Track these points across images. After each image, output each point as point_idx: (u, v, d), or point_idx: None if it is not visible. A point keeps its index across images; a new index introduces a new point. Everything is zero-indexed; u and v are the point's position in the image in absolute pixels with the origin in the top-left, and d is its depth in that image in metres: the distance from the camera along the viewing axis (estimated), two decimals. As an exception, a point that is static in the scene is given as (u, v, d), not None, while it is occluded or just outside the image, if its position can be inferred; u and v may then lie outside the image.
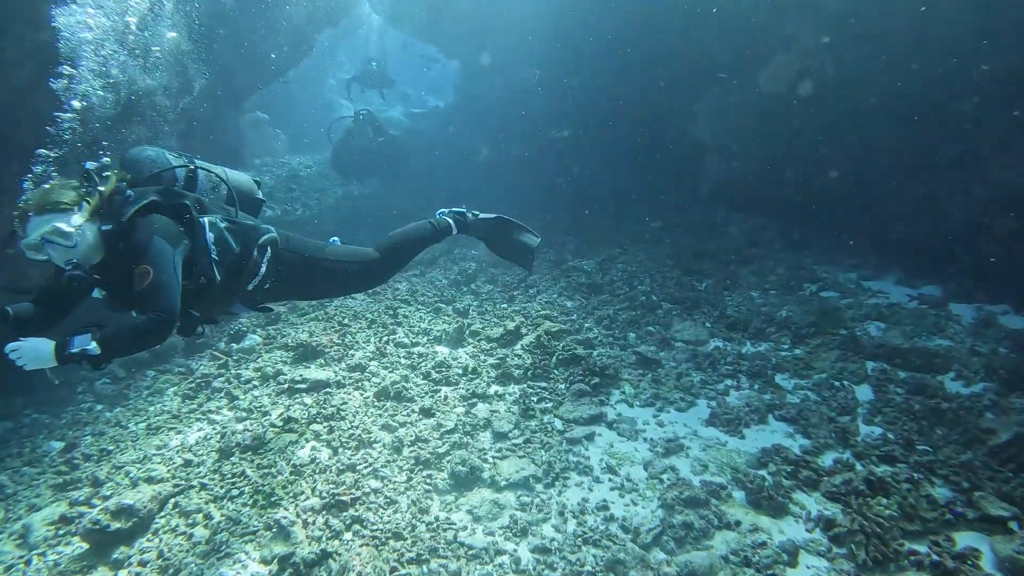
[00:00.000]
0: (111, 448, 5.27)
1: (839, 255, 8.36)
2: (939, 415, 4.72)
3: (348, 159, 12.63)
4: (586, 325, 6.78)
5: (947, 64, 7.11)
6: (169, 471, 4.74)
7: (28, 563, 4.00)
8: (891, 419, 4.79)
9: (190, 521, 4.15)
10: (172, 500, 4.36)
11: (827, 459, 4.39)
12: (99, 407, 6.15)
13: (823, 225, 8.92)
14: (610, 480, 4.26)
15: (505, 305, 7.46)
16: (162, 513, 4.26)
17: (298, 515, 3.96)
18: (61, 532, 4.27)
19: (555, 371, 5.69)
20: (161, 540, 4.00)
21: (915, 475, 4.03)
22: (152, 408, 5.88)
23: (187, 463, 4.80)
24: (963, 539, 3.53)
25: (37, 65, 5.55)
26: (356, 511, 3.96)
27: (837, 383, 5.38)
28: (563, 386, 5.45)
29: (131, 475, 4.76)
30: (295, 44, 11.54)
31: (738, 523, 3.75)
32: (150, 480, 4.64)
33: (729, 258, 8.61)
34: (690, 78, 10.28)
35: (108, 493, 4.56)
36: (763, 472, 4.23)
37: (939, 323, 6.29)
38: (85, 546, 4.01)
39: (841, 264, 8.13)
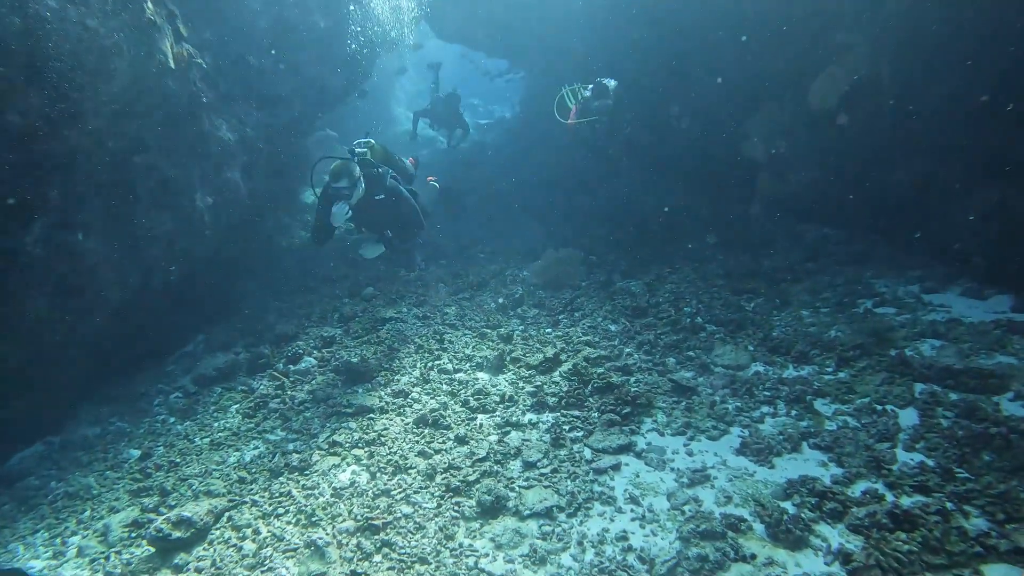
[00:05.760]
0: (179, 460, 5.75)
1: (904, 266, 7.92)
2: (987, 440, 4.48)
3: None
4: (627, 350, 6.80)
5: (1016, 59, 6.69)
6: (226, 486, 5.16)
7: (107, 559, 4.52)
8: (933, 445, 4.61)
9: (240, 535, 4.51)
10: (226, 514, 4.76)
11: (858, 489, 4.29)
12: (171, 420, 6.67)
13: (887, 235, 8.52)
14: (632, 511, 4.33)
15: (549, 330, 7.58)
16: (217, 525, 4.66)
17: (334, 536, 4.25)
18: (134, 535, 4.75)
19: (590, 399, 5.78)
20: (215, 550, 4.38)
21: (948, 505, 3.88)
22: (216, 424, 6.36)
23: (242, 480, 5.21)
24: (992, 572, 3.42)
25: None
26: (387, 535, 4.21)
27: (880, 408, 5.22)
28: (596, 415, 5.53)
29: (193, 487, 5.21)
30: (354, 73, 12.09)
31: (754, 556, 3.75)
32: (209, 494, 5.07)
33: (783, 275, 8.37)
34: (744, 91, 10.13)
35: (173, 503, 5.03)
36: (786, 504, 4.20)
37: (1002, 339, 5.86)
38: (152, 550, 4.46)
39: (904, 276, 7.69)
